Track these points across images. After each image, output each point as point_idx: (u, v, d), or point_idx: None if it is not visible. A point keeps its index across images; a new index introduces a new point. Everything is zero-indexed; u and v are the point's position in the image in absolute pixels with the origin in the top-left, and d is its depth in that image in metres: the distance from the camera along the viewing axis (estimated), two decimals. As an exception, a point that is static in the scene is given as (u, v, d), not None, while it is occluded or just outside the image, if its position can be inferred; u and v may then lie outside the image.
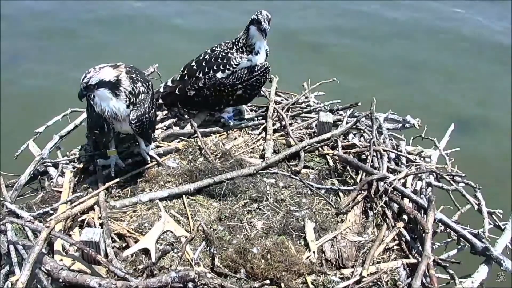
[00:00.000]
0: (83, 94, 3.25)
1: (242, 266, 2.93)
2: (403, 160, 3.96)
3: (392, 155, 3.94)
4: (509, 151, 6.05)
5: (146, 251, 3.00)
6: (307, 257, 3.03)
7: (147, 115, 3.41)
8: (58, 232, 2.96)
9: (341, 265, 3.04)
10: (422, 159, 4.06)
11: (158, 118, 4.13)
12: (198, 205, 3.40)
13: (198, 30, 8.82)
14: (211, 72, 4.05)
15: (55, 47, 8.30)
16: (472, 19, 9.88)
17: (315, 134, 4.15)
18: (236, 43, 4.04)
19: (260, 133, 4.21)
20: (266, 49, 4.11)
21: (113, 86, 3.23)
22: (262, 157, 3.85)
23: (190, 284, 2.65)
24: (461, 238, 3.27)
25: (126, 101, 3.31)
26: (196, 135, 4.05)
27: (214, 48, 4.15)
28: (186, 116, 4.31)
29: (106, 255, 2.93)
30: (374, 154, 3.83)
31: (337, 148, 3.88)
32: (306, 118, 4.45)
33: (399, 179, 3.50)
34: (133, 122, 3.35)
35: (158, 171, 3.69)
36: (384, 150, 3.84)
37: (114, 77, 3.22)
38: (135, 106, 3.36)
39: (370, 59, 8.30)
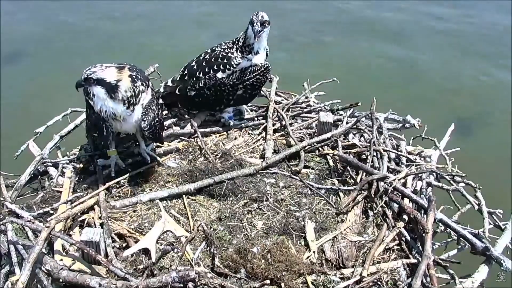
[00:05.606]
0: (81, 84, 3.27)
1: (242, 266, 2.92)
2: (403, 160, 3.96)
3: (392, 155, 3.94)
4: (509, 151, 6.05)
5: (146, 251, 3.00)
6: (307, 257, 3.02)
7: (157, 119, 3.44)
8: (58, 232, 2.96)
9: (341, 265, 3.04)
10: (422, 159, 4.05)
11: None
12: (198, 205, 3.40)
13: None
14: (212, 72, 4.04)
15: (56, 47, 8.30)
16: (471, 18, 9.89)
17: (315, 134, 4.15)
18: (236, 42, 4.03)
19: (260, 133, 4.21)
20: (266, 49, 4.11)
21: (111, 89, 3.24)
22: (262, 157, 3.84)
23: (190, 284, 2.65)
24: (461, 238, 3.26)
25: (124, 104, 3.31)
26: (196, 135, 4.05)
27: (214, 48, 4.14)
28: (186, 116, 4.32)
29: (106, 255, 2.93)
30: (374, 154, 3.83)
31: (337, 148, 3.88)
32: (306, 118, 4.45)
33: (399, 179, 3.50)
34: (146, 129, 3.38)
35: (158, 171, 3.69)
36: (384, 150, 3.84)
37: (115, 80, 3.24)
38: (134, 106, 3.36)
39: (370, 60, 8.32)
